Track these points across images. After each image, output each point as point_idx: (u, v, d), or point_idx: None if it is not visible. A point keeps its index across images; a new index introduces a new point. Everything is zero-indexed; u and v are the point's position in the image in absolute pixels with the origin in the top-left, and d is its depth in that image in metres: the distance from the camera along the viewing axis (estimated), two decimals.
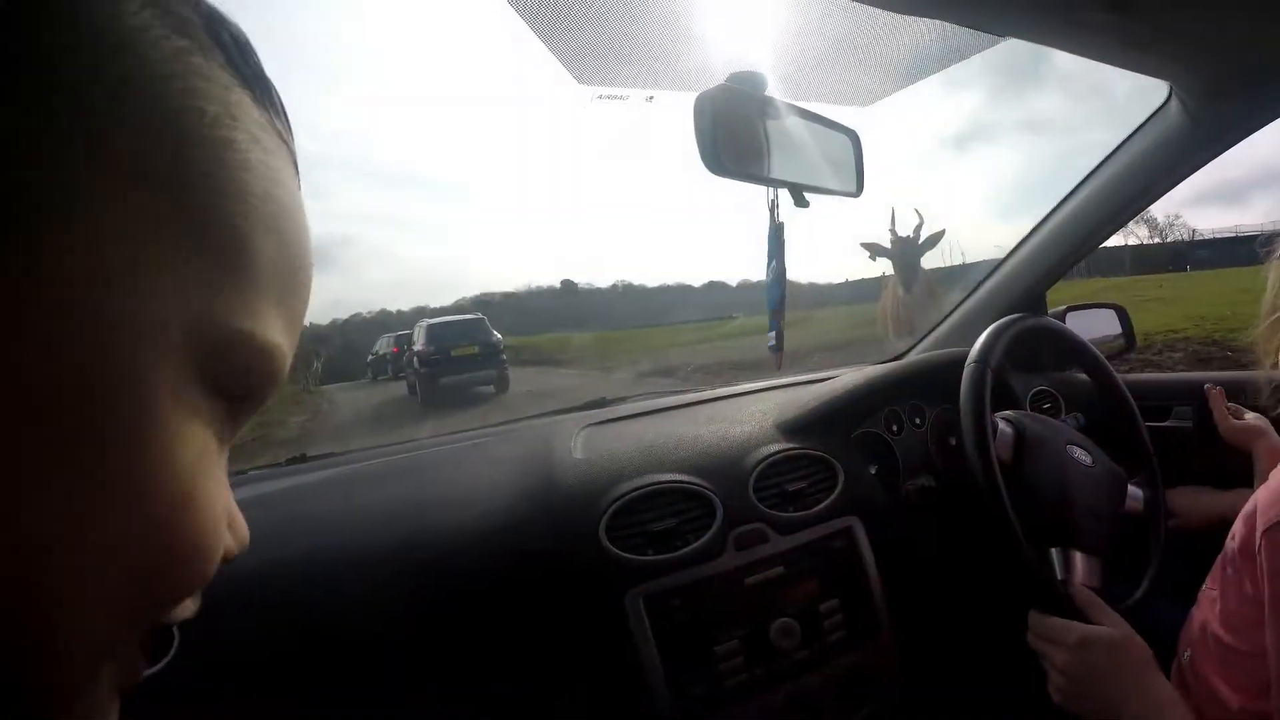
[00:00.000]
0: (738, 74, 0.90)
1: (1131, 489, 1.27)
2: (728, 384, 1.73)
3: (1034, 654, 1.04)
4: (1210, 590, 0.94)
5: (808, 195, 0.94)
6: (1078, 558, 1.13)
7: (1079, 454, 1.22)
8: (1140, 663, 0.91)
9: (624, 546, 1.04)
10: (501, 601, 0.99)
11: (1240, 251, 29.99)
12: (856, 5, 0.86)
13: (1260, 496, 0.85)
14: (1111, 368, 1.40)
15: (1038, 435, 1.21)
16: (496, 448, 1.31)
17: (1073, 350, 1.43)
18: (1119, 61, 1.16)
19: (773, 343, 1.00)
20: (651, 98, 1.02)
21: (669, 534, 1.07)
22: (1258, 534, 0.82)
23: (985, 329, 1.30)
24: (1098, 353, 1.40)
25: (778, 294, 0.95)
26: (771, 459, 1.21)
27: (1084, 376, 1.47)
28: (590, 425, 1.34)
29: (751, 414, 1.36)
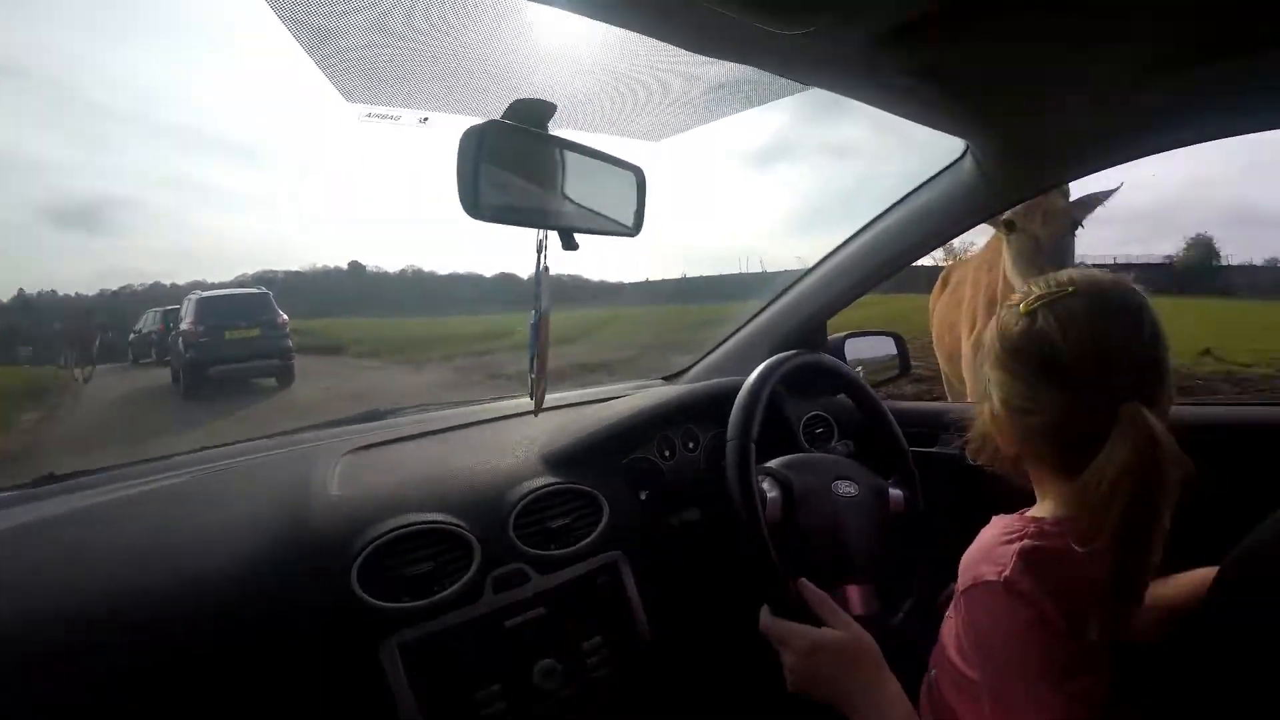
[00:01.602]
0: (520, 103, 0.91)
1: (893, 491, 1.42)
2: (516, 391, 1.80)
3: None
4: (950, 616, 1.04)
5: (582, 236, 0.97)
6: (855, 590, 1.26)
7: (844, 488, 1.35)
8: (868, 664, 1.03)
9: (380, 593, 1.05)
10: (246, 662, 0.96)
11: None
12: (657, 42, 0.90)
13: (965, 557, 0.99)
14: (868, 387, 1.57)
15: (804, 486, 1.31)
16: (249, 477, 1.28)
17: (838, 379, 1.57)
18: (920, 119, 1.33)
19: (531, 387, 1.02)
20: (425, 119, 1.02)
21: (425, 578, 1.10)
22: (958, 592, 0.96)
23: (764, 357, 1.43)
24: (858, 378, 1.57)
25: (535, 340, 0.97)
26: (533, 495, 1.26)
27: None
28: (353, 451, 1.34)
29: (517, 443, 1.41)
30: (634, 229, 1.09)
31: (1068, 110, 1.32)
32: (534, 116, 0.93)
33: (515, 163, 0.89)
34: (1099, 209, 2.50)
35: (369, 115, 1.02)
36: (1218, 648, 0.83)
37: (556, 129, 0.96)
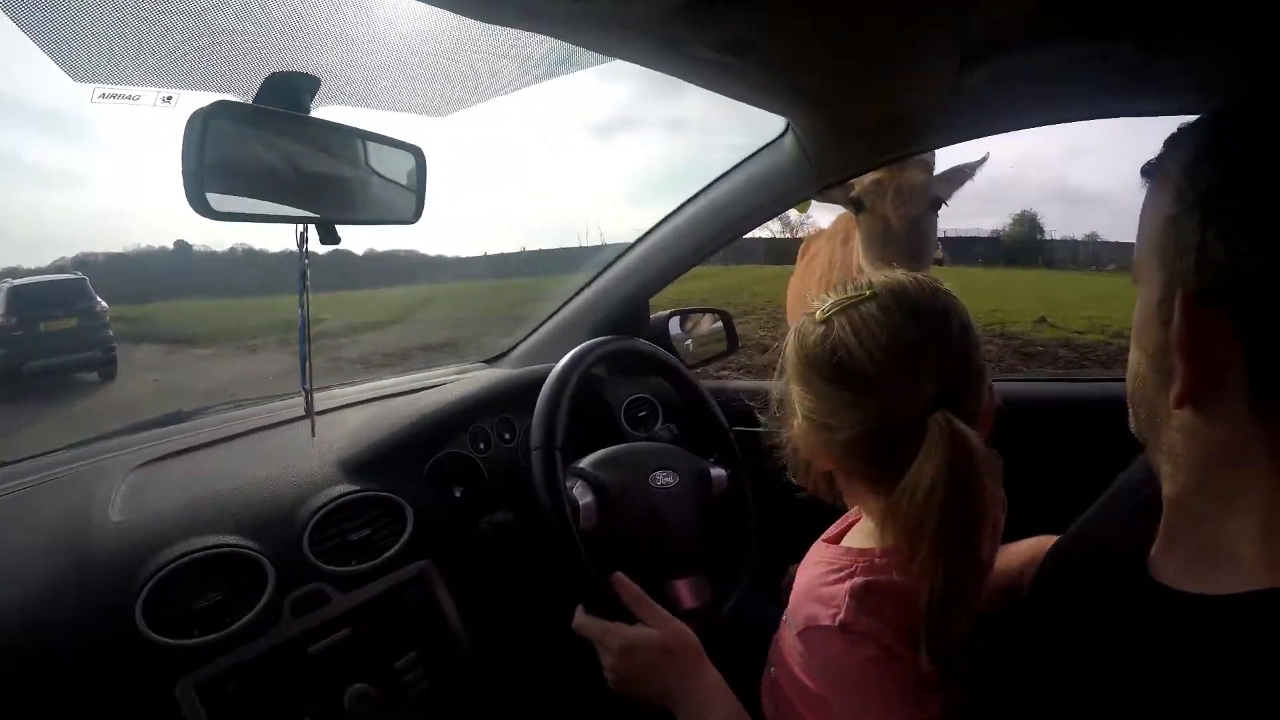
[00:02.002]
0: (276, 77, 0.84)
1: (715, 472, 1.42)
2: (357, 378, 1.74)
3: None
4: (786, 622, 1.03)
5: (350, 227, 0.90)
6: (683, 585, 1.27)
7: (663, 479, 1.33)
8: (685, 659, 1.03)
9: (169, 629, 0.97)
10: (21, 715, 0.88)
11: None
12: (442, 12, 0.83)
13: (794, 593, 0.97)
14: (683, 369, 1.58)
15: (619, 485, 1.29)
16: (27, 503, 1.17)
17: (651, 363, 1.56)
18: (740, 97, 1.32)
19: (303, 388, 0.95)
20: (170, 99, 0.92)
21: (218, 608, 1.03)
22: (793, 631, 0.93)
23: (585, 338, 1.42)
24: (671, 359, 1.58)
25: (303, 341, 0.90)
26: (329, 507, 1.20)
27: None
28: (142, 466, 1.25)
29: (315, 447, 1.33)
30: (413, 215, 1.05)
31: (889, 91, 1.33)
32: (291, 93, 0.86)
33: (260, 149, 0.81)
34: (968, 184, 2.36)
35: (102, 96, 0.91)
36: (1037, 624, 0.82)
37: (326, 104, 0.88)
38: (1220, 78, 1.15)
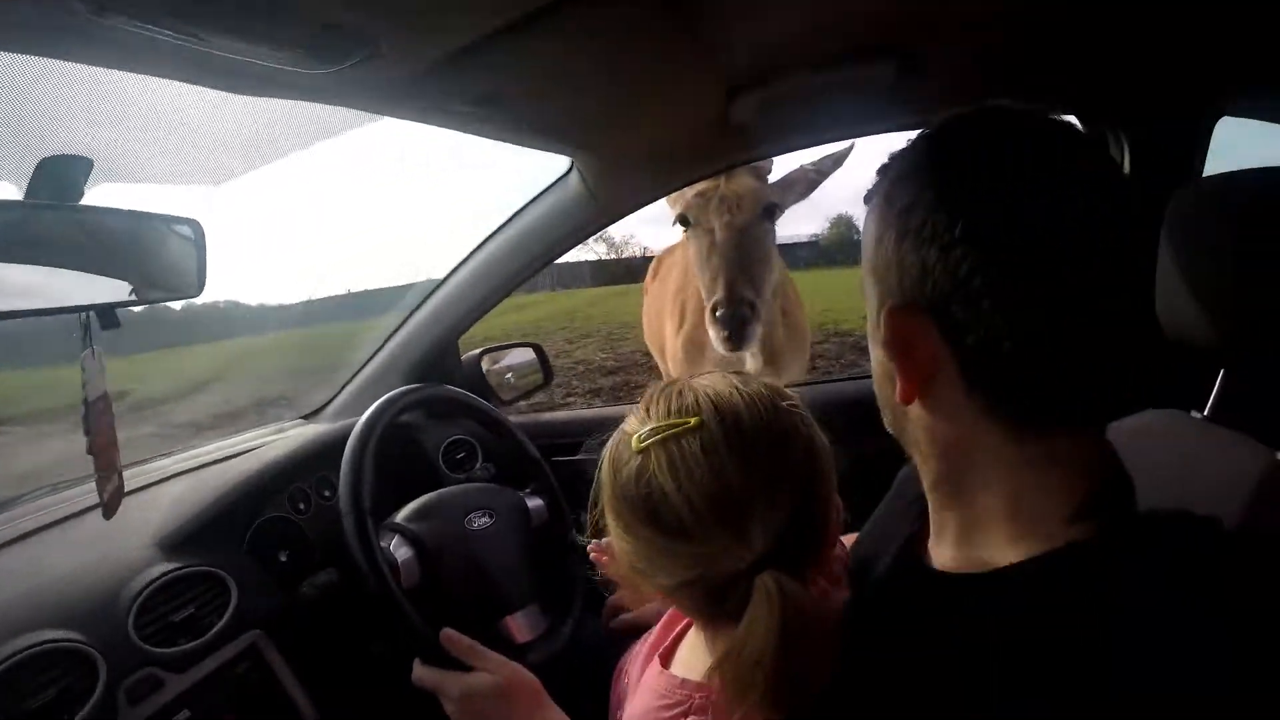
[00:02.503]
0: (47, 163, 0.86)
1: (532, 503, 1.50)
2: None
3: None
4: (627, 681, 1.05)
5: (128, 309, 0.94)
6: (512, 621, 1.31)
7: (479, 521, 1.37)
8: (526, 702, 1.03)
9: None
10: None
11: None
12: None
13: (628, 716, 0.93)
14: (484, 406, 1.63)
15: (437, 535, 1.31)
16: None
17: (459, 406, 1.62)
18: (518, 141, 1.42)
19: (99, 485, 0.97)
20: None
21: (50, 708, 0.99)
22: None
23: (399, 384, 1.46)
24: (470, 399, 1.62)
25: (91, 429, 0.92)
26: (150, 589, 1.17)
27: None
28: None
29: (132, 527, 1.30)
30: (195, 288, 1.06)
31: (660, 126, 1.47)
32: (65, 178, 0.87)
33: (31, 247, 0.82)
34: (826, 182, 2.36)
35: None
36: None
37: (99, 183, 0.90)
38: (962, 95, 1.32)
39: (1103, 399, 0.63)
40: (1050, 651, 0.53)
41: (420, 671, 1.11)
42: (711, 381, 0.81)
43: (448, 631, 1.12)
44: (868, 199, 0.70)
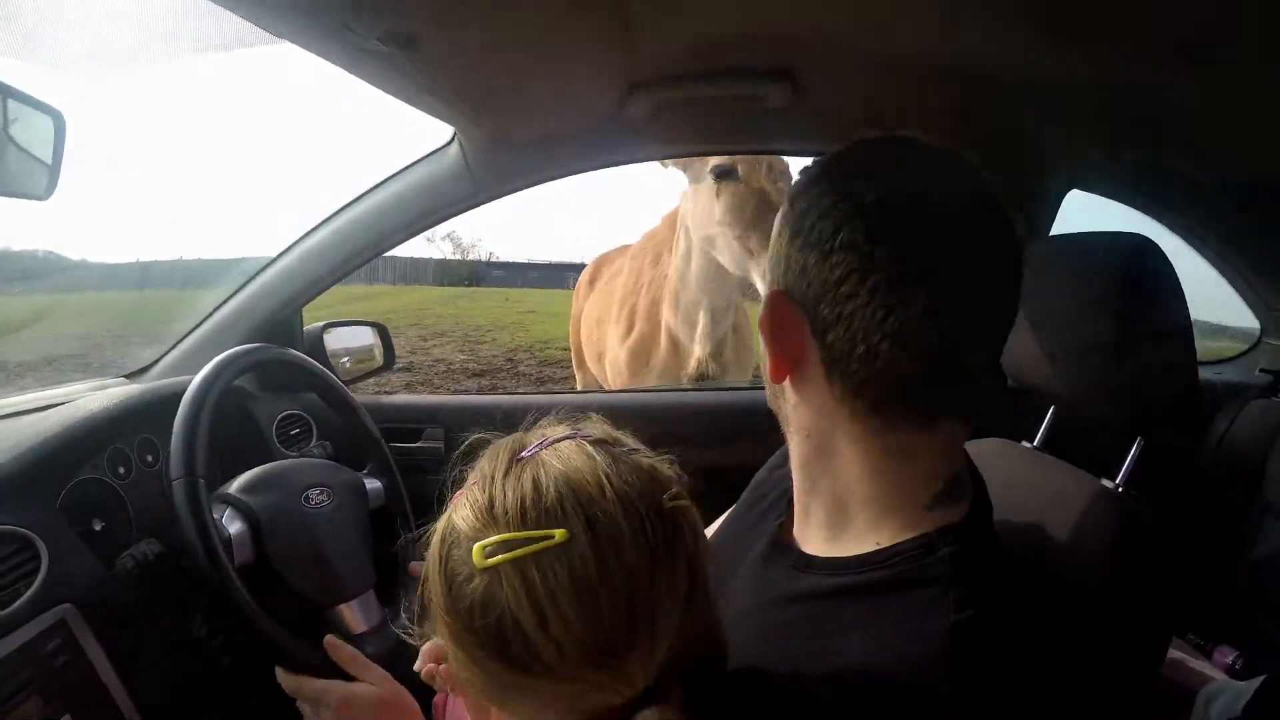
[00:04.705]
0: None
1: (370, 484, 1.45)
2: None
3: None
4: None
5: None
6: (348, 609, 1.26)
7: (317, 497, 1.32)
8: (405, 716, 1.01)
9: None
10: None
11: (530, 275, 40.61)
12: None
13: None
14: (332, 378, 1.57)
15: (271, 510, 1.25)
16: None
17: (300, 373, 1.54)
18: (408, 98, 1.37)
19: None
20: None
21: None
22: None
23: (227, 348, 1.35)
24: (325, 372, 1.56)
25: None
26: None
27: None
28: None
29: None
30: (45, 190, 0.95)
31: (553, 109, 1.47)
32: None
33: None
34: None
35: None
36: None
37: None
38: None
39: (951, 403, 0.71)
40: (905, 631, 0.62)
41: (292, 683, 1.05)
42: (569, 459, 0.62)
43: (331, 638, 1.10)
44: (789, 198, 0.77)
